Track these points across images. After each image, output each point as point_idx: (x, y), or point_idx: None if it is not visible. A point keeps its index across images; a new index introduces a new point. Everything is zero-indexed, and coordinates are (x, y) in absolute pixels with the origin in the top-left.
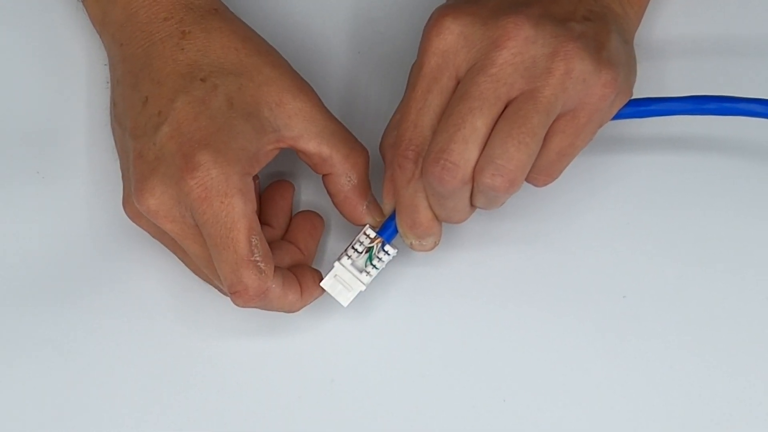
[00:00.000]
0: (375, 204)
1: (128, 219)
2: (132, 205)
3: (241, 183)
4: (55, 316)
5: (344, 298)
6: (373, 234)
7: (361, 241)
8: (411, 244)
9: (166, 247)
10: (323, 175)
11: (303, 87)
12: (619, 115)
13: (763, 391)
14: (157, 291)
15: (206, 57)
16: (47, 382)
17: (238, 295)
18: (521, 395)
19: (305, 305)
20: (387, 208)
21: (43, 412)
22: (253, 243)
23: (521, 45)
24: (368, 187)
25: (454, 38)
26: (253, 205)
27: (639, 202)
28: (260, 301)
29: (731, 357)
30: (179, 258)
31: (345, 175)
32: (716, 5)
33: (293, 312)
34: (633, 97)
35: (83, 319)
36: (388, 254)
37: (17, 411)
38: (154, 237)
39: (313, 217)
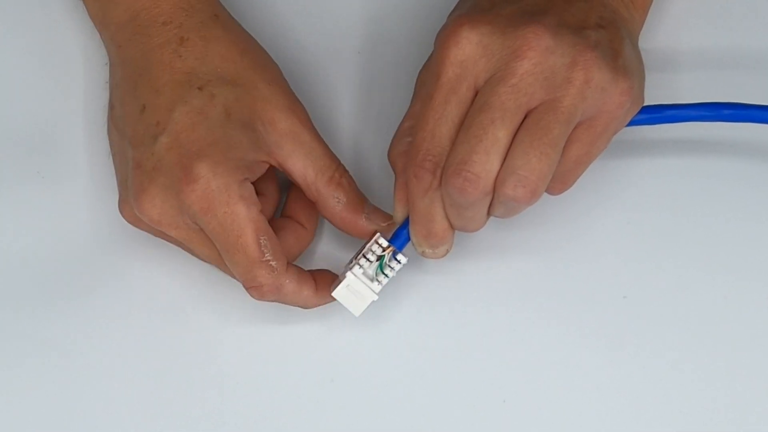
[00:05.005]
0: (375, 211)
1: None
2: (130, 209)
3: (242, 189)
4: (55, 316)
5: (357, 308)
6: (385, 243)
7: (373, 250)
8: (423, 252)
9: (171, 243)
10: (315, 203)
11: (294, 107)
12: (633, 122)
13: (763, 391)
14: (157, 292)
15: (204, 65)
16: (47, 383)
17: (253, 290)
18: (521, 395)
19: (321, 303)
20: (399, 216)
21: (43, 413)
22: (262, 244)
23: (541, 55)
24: (362, 201)
25: (473, 48)
26: (257, 207)
27: (638, 205)
28: (275, 295)
29: (731, 357)
30: (186, 251)
31: (332, 197)
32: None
33: (309, 308)
34: (645, 104)
35: (83, 319)
36: (400, 263)
37: (17, 411)
38: (156, 236)
39: None
